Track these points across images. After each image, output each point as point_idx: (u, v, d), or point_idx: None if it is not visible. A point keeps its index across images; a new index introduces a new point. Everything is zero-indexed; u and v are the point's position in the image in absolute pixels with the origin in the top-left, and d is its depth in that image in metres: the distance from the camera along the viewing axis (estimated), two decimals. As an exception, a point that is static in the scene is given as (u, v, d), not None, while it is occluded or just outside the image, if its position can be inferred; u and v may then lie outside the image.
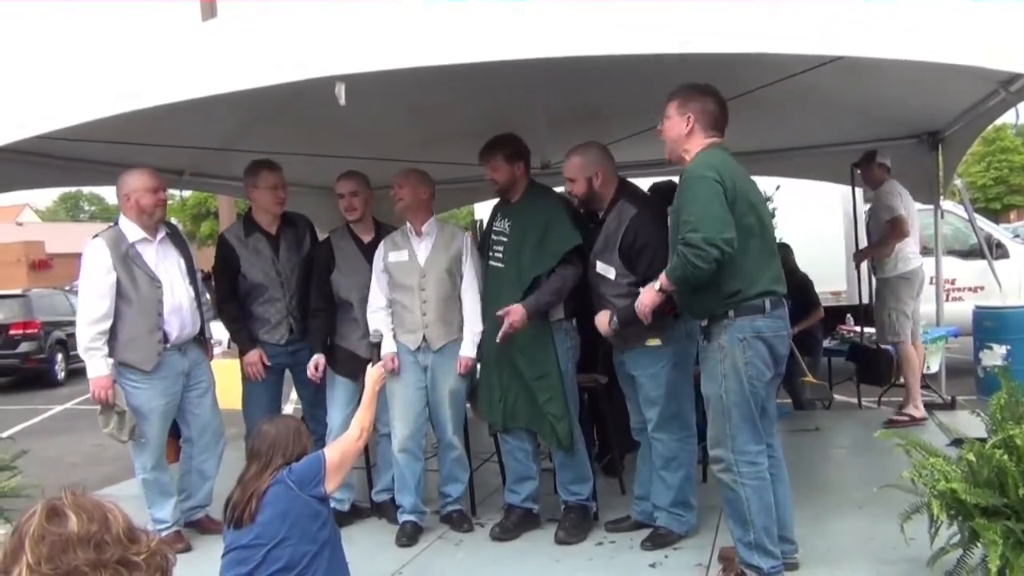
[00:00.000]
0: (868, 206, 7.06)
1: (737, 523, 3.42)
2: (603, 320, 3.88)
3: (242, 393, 4.74)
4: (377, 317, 4.38)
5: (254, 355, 4.63)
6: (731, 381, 3.31)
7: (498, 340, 4.03)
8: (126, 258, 4.14)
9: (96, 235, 4.27)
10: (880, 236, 6.06)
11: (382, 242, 4.50)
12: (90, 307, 4.09)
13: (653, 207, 4.02)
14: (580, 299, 4.19)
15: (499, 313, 4.02)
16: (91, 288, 4.11)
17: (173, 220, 20.90)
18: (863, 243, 6.56)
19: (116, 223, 4.30)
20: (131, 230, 4.21)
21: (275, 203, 4.70)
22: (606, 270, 3.98)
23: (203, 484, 4.52)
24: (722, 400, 3.33)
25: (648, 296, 3.53)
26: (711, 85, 3.47)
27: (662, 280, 3.42)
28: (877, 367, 6.60)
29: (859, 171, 6.20)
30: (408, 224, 4.45)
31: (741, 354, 3.30)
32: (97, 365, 4.06)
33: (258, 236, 4.69)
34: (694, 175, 3.30)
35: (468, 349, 4.35)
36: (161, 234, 4.32)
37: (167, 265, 4.28)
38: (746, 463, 3.35)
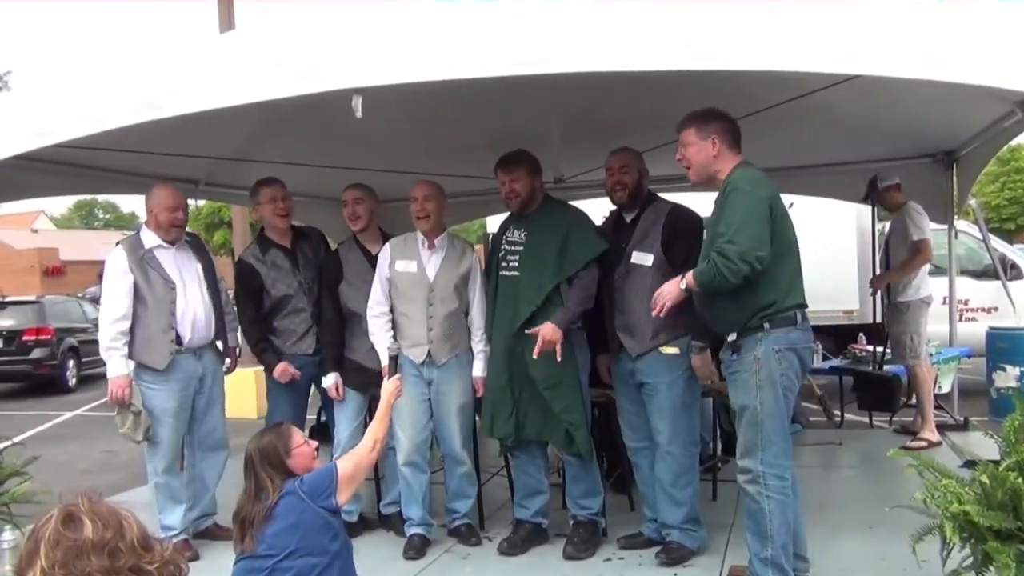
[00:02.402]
0: (883, 225, 7.02)
1: (756, 537, 3.41)
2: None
3: (268, 405, 4.78)
4: (378, 323, 4.35)
5: (282, 367, 4.65)
6: (766, 392, 3.33)
7: (535, 356, 3.99)
8: (142, 261, 4.29)
9: (118, 241, 4.46)
10: (904, 259, 6.03)
11: (388, 245, 4.46)
12: (109, 308, 4.26)
13: (683, 207, 4.14)
14: (590, 313, 4.19)
15: (528, 332, 4.01)
16: (110, 290, 4.28)
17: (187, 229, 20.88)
18: (878, 265, 6.52)
19: (139, 231, 4.47)
20: (149, 237, 4.37)
21: (276, 214, 4.74)
22: (642, 258, 3.99)
23: (204, 493, 4.58)
24: (756, 411, 3.34)
25: (671, 290, 3.49)
26: (717, 107, 3.53)
27: (688, 279, 3.41)
28: (886, 393, 6.52)
29: (874, 201, 6.24)
30: (420, 235, 4.43)
31: (777, 365, 3.33)
32: (116, 365, 4.21)
33: (275, 251, 4.73)
34: (738, 188, 3.34)
35: (480, 369, 4.38)
36: (180, 241, 4.44)
37: (185, 270, 4.41)
38: (774, 476, 3.36)
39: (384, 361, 4.08)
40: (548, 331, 3.94)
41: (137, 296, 4.25)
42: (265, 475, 2.85)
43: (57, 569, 1.33)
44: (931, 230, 6.11)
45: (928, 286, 6.11)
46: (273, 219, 4.75)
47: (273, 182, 4.78)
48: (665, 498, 4.05)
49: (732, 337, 3.44)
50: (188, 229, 4.59)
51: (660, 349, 3.96)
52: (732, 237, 3.24)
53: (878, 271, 6.53)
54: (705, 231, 3.56)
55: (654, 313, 3.56)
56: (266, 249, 4.74)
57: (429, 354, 4.33)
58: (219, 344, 4.65)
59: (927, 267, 6.09)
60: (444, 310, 4.33)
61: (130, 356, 4.26)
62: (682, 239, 3.94)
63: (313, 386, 4.83)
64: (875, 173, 6.14)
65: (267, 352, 4.70)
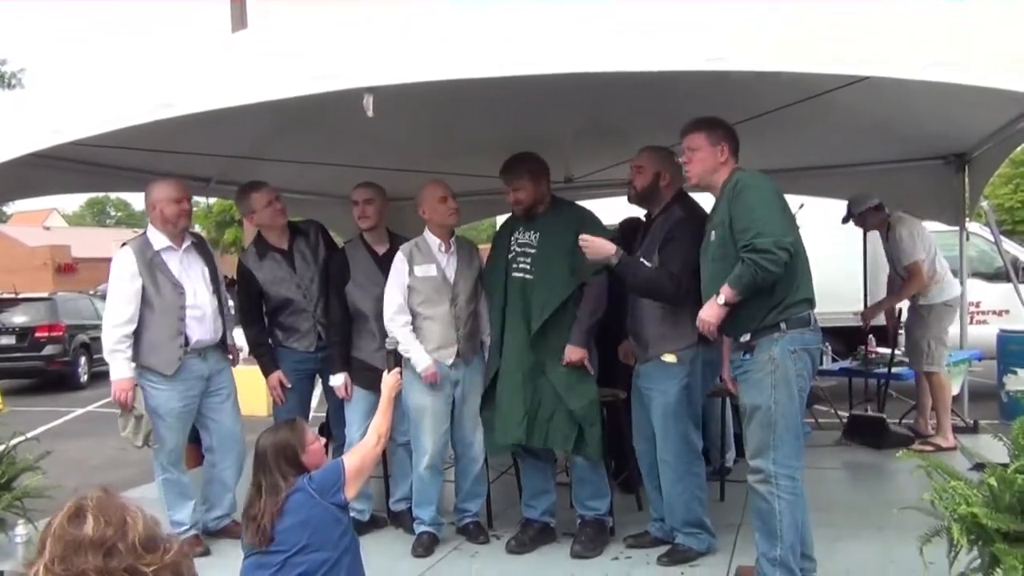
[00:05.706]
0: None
1: (764, 537, 3.42)
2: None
3: (272, 399, 4.81)
4: (405, 331, 4.29)
5: (274, 379, 4.69)
6: (781, 393, 3.33)
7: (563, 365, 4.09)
8: (151, 265, 4.24)
9: (124, 243, 4.39)
10: (899, 286, 5.96)
11: (401, 252, 4.42)
12: (116, 311, 4.20)
13: (700, 216, 3.96)
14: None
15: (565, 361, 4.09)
16: (117, 293, 4.22)
17: (197, 227, 21.12)
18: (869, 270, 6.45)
19: (145, 232, 4.40)
20: (157, 238, 4.32)
21: (276, 216, 4.71)
22: None
23: (225, 494, 4.56)
24: (770, 411, 3.35)
25: (712, 312, 3.41)
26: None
27: (725, 292, 3.34)
28: (878, 435, 6.25)
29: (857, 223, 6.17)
30: (435, 238, 4.42)
31: (792, 366, 3.34)
32: (120, 367, 4.15)
33: (272, 255, 4.71)
34: (748, 185, 3.35)
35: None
36: (187, 243, 4.41)
37: (191, 273, 4.37)
38: (785, 476, 3.36)
39: (423, 363, 4.20)
40: (570, 353, 4.06)
41: (144, 300, 4.20)
42: (279, 472, 2.86)
43: (56, 564, 1.33)
44: (931, 233, 6.03)
45: (953, 288, 5.97)
46: (274, 220, 4.70)
47: (259, 186, 4.72)
48: (667, 502, 4.06)
49: (745, 337, 3.44)
50: (196, 227, 4.60)
51: (659, 357, 3.96)
52: (761, 229, 3.24)
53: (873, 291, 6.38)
54: (713, 231, 3.52)
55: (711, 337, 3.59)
56: (263, 253, 4.72)
57: (458, 353, 4.35)
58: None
59: (946, 271, 5.98)
60: (468, 310, 4.39)
61: (135, 359, 4.19)
62: (677, 246, 3.84)
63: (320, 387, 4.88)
64: (849, 198, 6.09)
65: (265, 356, 4.73)
